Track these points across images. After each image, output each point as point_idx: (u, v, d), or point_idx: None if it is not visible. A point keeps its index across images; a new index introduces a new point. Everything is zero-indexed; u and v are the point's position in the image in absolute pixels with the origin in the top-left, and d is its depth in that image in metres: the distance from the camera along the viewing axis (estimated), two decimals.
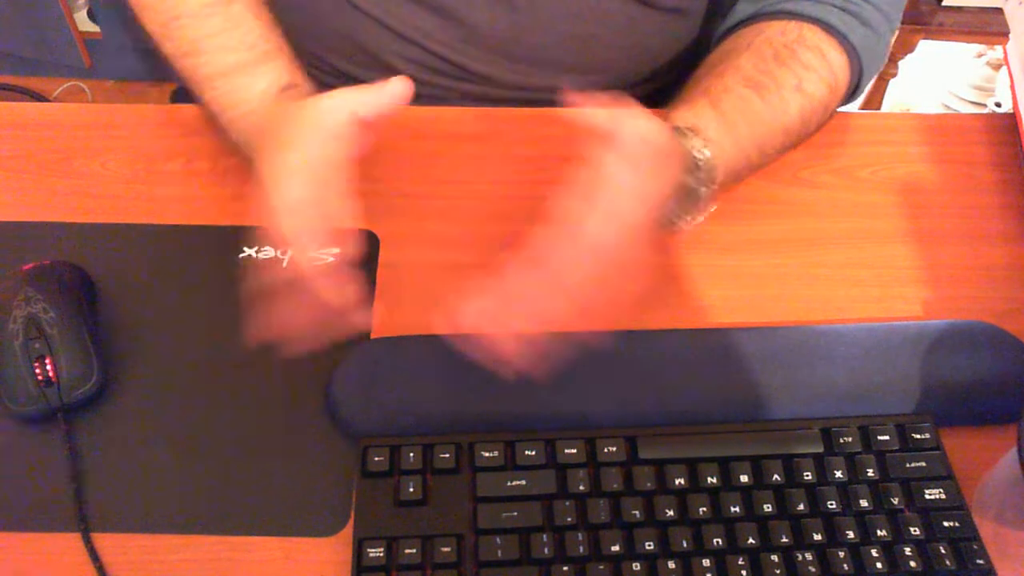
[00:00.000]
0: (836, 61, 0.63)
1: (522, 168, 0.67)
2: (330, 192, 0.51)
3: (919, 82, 1.84)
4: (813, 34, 0.63)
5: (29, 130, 0.69)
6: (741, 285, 0.61)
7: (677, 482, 0.50)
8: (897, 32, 0.69)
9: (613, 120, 0.51)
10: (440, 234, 0.63)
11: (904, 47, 1.50)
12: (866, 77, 0.66)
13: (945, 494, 0.50)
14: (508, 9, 0.68)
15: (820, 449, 0.51)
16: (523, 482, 0.50)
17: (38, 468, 0.52)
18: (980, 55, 1.81)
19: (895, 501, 0.50)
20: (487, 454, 0.51)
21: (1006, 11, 0.74)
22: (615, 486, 0.50)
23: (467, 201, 0.65)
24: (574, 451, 0.51)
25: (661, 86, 0.78)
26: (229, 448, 0.53)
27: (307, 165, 0.51)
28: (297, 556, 0.49)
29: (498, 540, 0.48)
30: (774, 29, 0.64)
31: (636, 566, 0.47)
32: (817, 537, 0.48)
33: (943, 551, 0.48)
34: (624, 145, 0.50)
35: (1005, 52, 0.73)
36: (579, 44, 0.71)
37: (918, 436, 0.52)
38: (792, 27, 0.63)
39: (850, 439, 0.52)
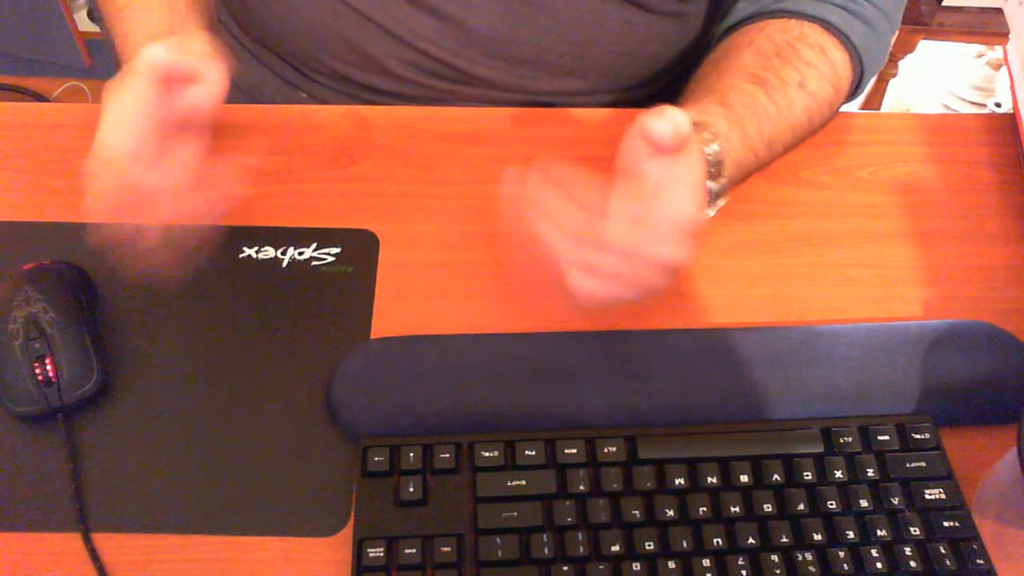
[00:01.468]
0: (838, 59, 0.64)
1: (522, 168, 0.67)
2: (155, 149, 0.50)
3: (919, 82, 1.84)
4: (814, 32, 0.63)
5: (29, 130, 0.69)
6: (741, 285, 0.61)
7: (677, 482, 0.50)
8: (897, 32, 0.69)
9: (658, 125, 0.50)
10: (440, 234, 0.63)
11: (904, 47, 1.50)
12: (867, 76, 0.66)
13: (945, 494, 0.50)
14: (506, 13, 0.68)
15: (820, 449, 0.51)
16: (523, 482, 0.50)
17: (38, 468, 0.52)
18: (980, 55, 1.81)
19: (895, 501, 0.50)
20: (487, 454, 0.51)
21: (1006, 11, 0.74)
22: (615, 486, 0.50)
23: (467, 201, 0.65)
24: (574, 451, 0.51)
25: (659, 89, 0.78)
26: (229, 448, 0.53)
27: (125, 114, 0.50)
28: (297, 556, 0.49)
29: (498, 540, 0.48)
30: (775, 27, 0.64)
31: (636, 566, 0.47)
32: (817, 537, 0.48)
33: (943, 551, 0.48)
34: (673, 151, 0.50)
35: (1005, 52, 0.73)
36: (578, 48, 0.71)
37: (918, 436, 0.52)
38: (793, 25, 0.64)
39: (850, 439, 0.52)
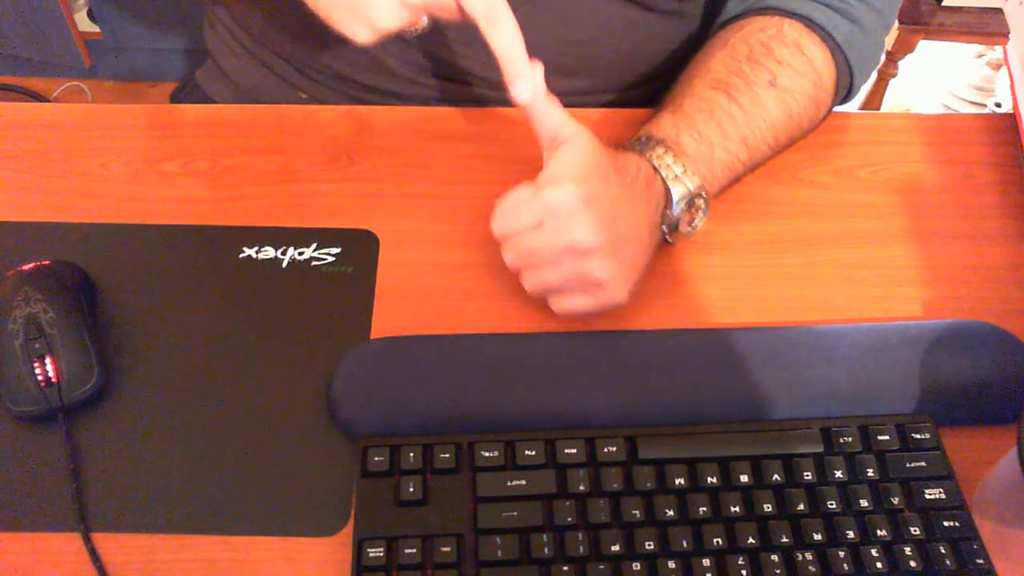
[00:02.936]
0: (817, 57, 0.63)
1: (522, 168, 0.67)
2: None
3: (919, 82, 1.84)
4: (793, 30, 0.63)
5: (29, 130, 0.69)
6: (741, 285, 0.61)
7: (677, 482, 0.50)
8: (896, 30, 0.69)
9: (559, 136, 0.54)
10: (440, 234, 0.63)
11: (904, 47, 1.50)
12: (858, 74, 0.66)
13: (945, 494, 0.50)
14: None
15: (820, 449, 0.51)
16: (523, 482, 0.50)
17: (38, 468, 0.52)
18: (980, 55, 1.81)
19: (895, 501, 0.50)
20: (487, 454, 0.51)
21: (1006, 11, 0.74)
22: (615, 486, 0.50)
23: (467, 201, 0.65)
24: (574, 451, 0.51)
25: (659, 88, 0.78)
26: (229, 448, 0.53)
27: None
28: (297, 556, 0.49)
29: (498, 540, 0.48)
30: (754, 26, 0.64)
31: (636, 566, 0.47)
32: (817, 537, 0.48)
33: (943, 551, 0.48)
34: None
35: (1005, 52, 0.73)
36: (579, 48, 0.71)
37: (918, 436, 0.52)
38: (773, 23, 0.64)
39: (850, 439, 0.52)
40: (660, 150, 0.57)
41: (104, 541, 0.49)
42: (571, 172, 0.52)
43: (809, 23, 0.63)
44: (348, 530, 0.49)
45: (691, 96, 0.61)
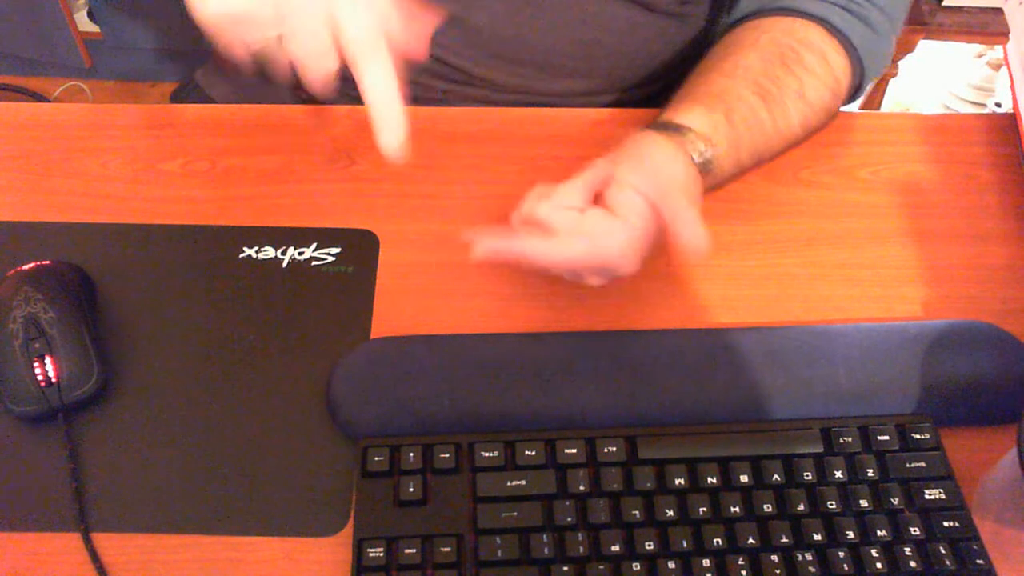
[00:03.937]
0: (837, 64, 0.63)
1: (522, 168, 0.67)
2: None
3: (919, 82, 1.84)
4: (817, 35, 0.63)
5: (29, 130, 0.69)
6: (741, 285, 0.61)
7: (677, 482, 0.50)
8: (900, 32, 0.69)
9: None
10: (440, 234, 0.63)
11: (904, 47, 1.50)
12: (868, 78, 0.66)
13: (945, 494, 0.50)
14: (511, 13, 0.68)
15: (820, 449, 0.51)
16: (523, 482, 0.50)
17: (38, 468, 0.52)
18: (980, 55, 1.81)
19: (895, 501, 0.50)
20: (487, 454, 0.51)
21: (1006, 11, 0.74)
22: (615, 486, 0.50)
23: (467, 201, 0.65)
24: (574, 451, 0.51)
25: (661, 88, 0.78)
26: (229, 448, 0.53)
27: None
28: (297, 556, 0.49)
29: (498, 540, 0.48)
30: (780, 28, 0.64)
31: (636, 566, 0.47)
32: (817, 537, 0.48)
33: (943, 551, 0.48)
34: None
35: (1005, 52, 0.73)
36: (582, 48, 0.71)
37: (918, 436, 0.52)
38: (798, 27, 0.63)
39: (850, 439, 0.52)
40: (709, 155, 0.58)
41: (104, 541, 0.49)
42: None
43: (829, 27, 0.63)
44: (348, 530, 0.49)
45: (740, 101, 0.60)
